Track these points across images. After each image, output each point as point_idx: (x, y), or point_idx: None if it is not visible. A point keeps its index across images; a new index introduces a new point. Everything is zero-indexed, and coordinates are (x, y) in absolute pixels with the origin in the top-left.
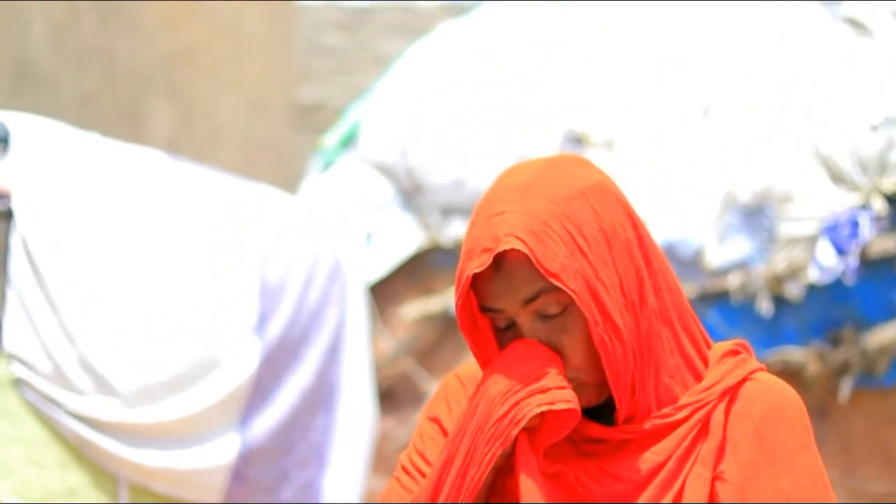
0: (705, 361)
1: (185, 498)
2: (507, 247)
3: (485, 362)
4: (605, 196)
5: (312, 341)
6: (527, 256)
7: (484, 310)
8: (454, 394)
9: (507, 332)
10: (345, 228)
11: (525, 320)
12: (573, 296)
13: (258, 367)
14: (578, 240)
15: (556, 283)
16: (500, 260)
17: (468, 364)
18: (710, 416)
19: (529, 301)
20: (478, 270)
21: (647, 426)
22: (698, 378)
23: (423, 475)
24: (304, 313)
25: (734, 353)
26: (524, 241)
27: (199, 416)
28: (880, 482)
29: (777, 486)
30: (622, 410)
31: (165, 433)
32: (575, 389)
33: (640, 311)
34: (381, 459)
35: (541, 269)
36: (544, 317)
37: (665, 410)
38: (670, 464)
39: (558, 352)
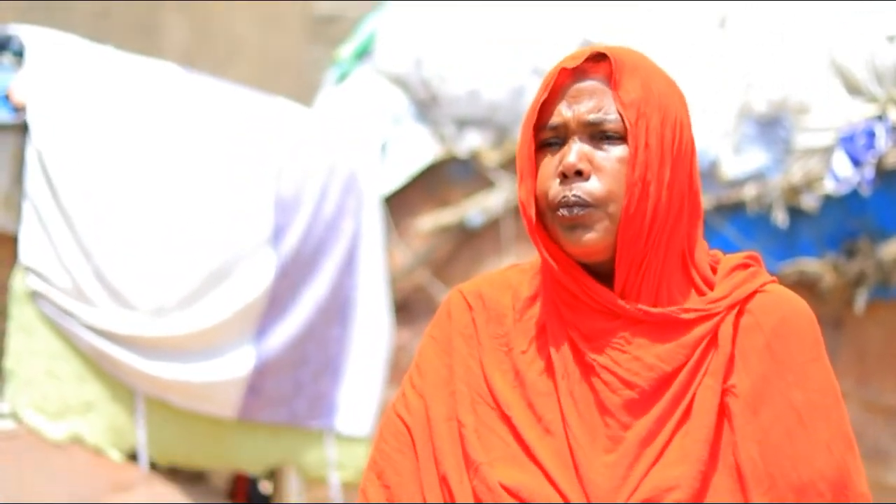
0: (711, 286)
1: (201, 410)
2: (603, 50)
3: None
4: (686, 104)
5: (328, 254)
6: (607, 84)
7: (542, 128)
8: (457, 309)
9: (550, 148)
10: (360, 140)
11: (580, 135)
12: (628, 127)
13: (273, 280)
14: (658, 99)
15: (621, 109)
16: (582, 76)
17: (473, 280)
18: (719, 329)
19: (595, 122)
20: (572, 65)
21: (656, 311)
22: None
23: (422, 397)
24: (320, 226)
25: (744, 266)
26: (617, 63)
27: (215, 329)
28: (895, 393)
29: (788, 399)
30: (620, 274)
31: (182, 346)
32: (588, 220)
33: (675, 200)
34: (397, 371)
35: (614, 93)
36: (598, 140)
37: (672, 308)
38: (681, 377)
39: (592, 172)
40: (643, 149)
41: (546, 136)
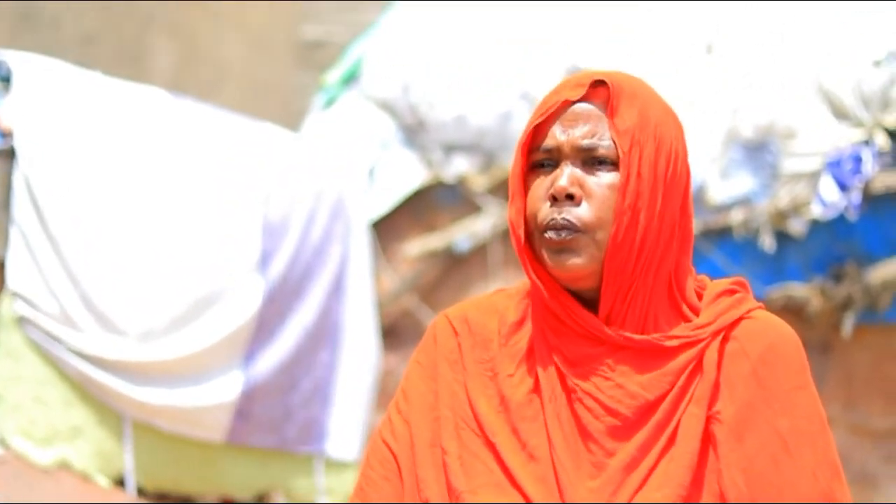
0: (697, 313)
1: (189, 435)
2: (602, 76)
3: (513, 197)
4: (683, 134)
5: (315, 279)
6: (603, 110)
7: (535, 150)
8: (443, 334)
9: (543, 170)
10: (347, 165)
11: (573, 160)
12: (621, 155)
13: (261, 305)
14: (654, 129)
15: (615, 136)
16: (579, 99)
17: (459, 305)
18: (704, 355)
19: (588, 148)
20: (573, 97)
21: (640, 338)
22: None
23: (407, 423)
24: (307, 251)
25: (730, 292)
26: (615, 89)
27: (202, 353)
28: (882, 417)
29: (774, 426)
30: (606, 301)
31: (170, 371)
32: (575, 245)
33: (665, 229)
34: (384, 396)
35: (610, 120)
36: (591, 165)
37: (656, 335)
38: (665, 404)
39: (583, 197)
40: (635, 177)
41: (539, 158)
